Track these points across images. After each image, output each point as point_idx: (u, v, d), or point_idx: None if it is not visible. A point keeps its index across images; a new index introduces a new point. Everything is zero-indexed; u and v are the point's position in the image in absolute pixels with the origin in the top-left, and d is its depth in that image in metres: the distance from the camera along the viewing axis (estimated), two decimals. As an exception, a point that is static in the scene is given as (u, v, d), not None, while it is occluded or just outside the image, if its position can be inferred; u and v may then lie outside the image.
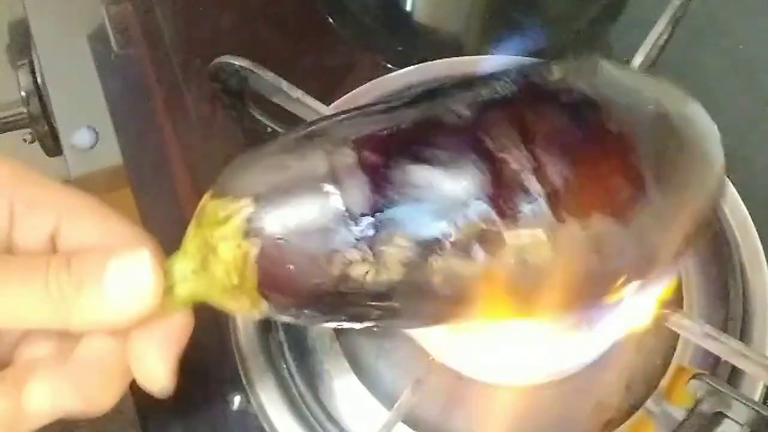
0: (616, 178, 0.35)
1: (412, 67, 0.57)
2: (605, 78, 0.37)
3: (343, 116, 0.38)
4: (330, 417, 0.45)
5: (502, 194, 0.34)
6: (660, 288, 0.41)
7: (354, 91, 0.55)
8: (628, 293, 0.38)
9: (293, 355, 0.47)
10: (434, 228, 0.35)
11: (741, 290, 0.48)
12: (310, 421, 0.45)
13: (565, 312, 0.38)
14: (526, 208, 0.34)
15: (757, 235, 0.49)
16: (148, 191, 0.55)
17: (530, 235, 0.34)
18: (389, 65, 0.60)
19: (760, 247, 0.49)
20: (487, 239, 0.34)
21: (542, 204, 0.34)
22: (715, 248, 0.49)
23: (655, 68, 0.53)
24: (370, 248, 0.35)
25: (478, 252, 0.35)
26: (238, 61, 0.53)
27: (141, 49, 0.63)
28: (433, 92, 0.38)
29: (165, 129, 0.58)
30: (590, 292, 0.37)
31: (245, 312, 0.38)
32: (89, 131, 0.55)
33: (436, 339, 0.43)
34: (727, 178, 0.49)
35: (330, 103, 0.53)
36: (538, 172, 0.34)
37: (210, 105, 0.58)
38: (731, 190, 0.50)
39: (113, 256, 0.36)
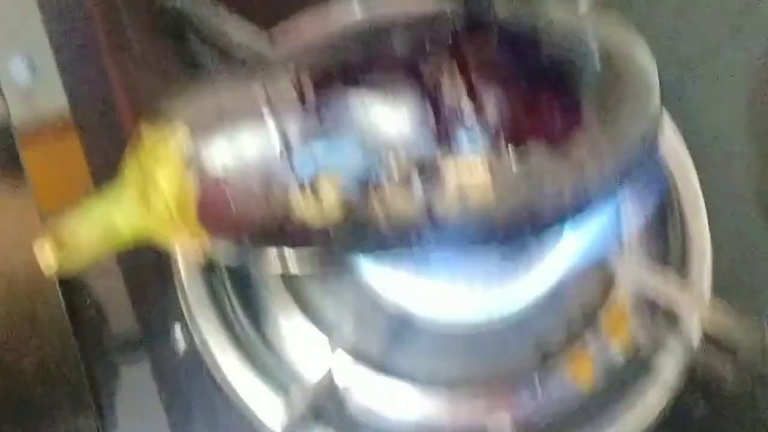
0: (554, 109, 0.35)
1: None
2: (547, 12, 0.37)
3: (283, 49, 0.38)
4: (274, 354, 0.45)
5: (441, 126, 0.34)
6: (598, 223, 0.42)
7: (295, 17, 0.53)
8: (566, 227, 0.39)
9: (236, 292, 0.46)
10: (373, 161, 0.35)
11: (680, 229, 0.48)
12: (253, 358, 0.45)
13: (504, 242, 0.39)
14: (464, 140, 0.34)
15: (695, 174, 0.50)
16: (92, 127, 0.54)
17: (469, 166, 0.34)
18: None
19: (698, 186, 0.49)
20: (426, 171, 0.35)
21: (480, 135, 0.34)
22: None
23: (599, 6, 0.53)
24: (309, 181, 0.35)
25: (418, 185, 0.35)
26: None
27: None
28: (375, 26, 0.38)
29: (107, 64, 0.57)
30: (528, 224, 0.37)
31: (188, 247, 0.38)
32: (25, 61, 0.54)
33: (380, 276, 0.43)
34: (667, 118, 0.49)
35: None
36: (477, 104, 0.34)
37: (153, 36, 0.56)
38: (670, 129, 0.50)
39: None
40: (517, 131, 0.34)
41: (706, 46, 0.58)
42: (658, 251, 0.49)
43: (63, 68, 0.55)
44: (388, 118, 0.35)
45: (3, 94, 0.53)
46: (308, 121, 0.35)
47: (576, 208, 0.37)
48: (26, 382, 0.45)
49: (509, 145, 0.34)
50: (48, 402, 0.45)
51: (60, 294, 0.47)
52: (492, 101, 0.34)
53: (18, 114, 0.53)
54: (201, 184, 0.35)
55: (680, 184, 0.50)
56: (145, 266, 0.48)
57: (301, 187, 0.35)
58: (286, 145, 0.34)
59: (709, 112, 0.56)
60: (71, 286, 0.48)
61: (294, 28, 0.52)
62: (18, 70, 0.54)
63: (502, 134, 0.34)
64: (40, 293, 0.47)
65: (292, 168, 0.35)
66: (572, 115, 0.35)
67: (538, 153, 0.35)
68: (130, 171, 0.38)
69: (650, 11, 0.59)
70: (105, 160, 0.51)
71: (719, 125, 0.55)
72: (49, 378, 0.45)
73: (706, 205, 0.49)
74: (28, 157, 0.52)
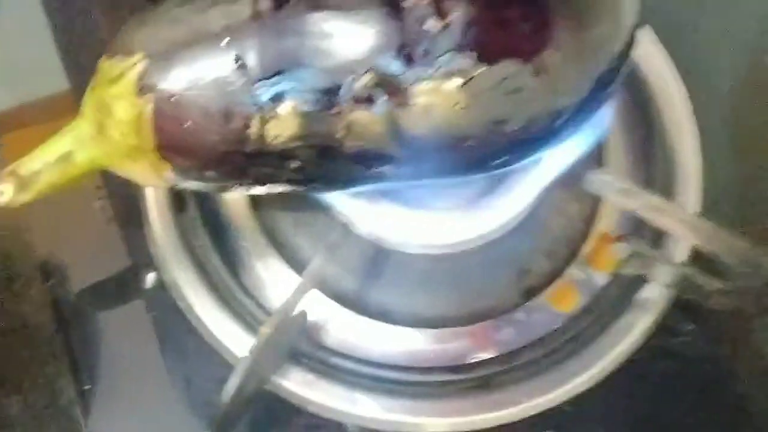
0: (525, 20, 0.33)
1: None
2: None
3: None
4: (248, 293, 0.44)
5: (407, 40, 0.32)
6: (578, 144, 0.40)
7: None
8: (542, 146, 0.37)
9: (208, 232, 0.45)
10: (336, 78, 0.33)
11: (665, 151, 0.47)
12: (226, 298, 0.44)
13: (478, 168, 0.37)
14: (433, 55, 0.32)
15: (682, 95, 0.48)
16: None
17: (438, 82, 0.33)
18: None
19: (685, 106, 0.47)
20: (392, 88, 0.33)
21: (450, 50, 0.32)
22: (639, 108, 0.48)
23: None
24: (270, 102, 0.33)
25: (383, 102, 0.33)
26: None
27: None
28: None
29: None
30: (503, 144, 0.35)
31: (150, 179, 0.37)
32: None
33: (352, 206, 0.42)
34: (655, 36, 0.48)
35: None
36: (445, 16, 0.32)
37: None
38: (656, 47, 0.48)
39: None
40: (486, 45, 0.33)
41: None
42: (643, 171, 0.47)
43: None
44: (351, 38, 0.33)
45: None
46: (267, 44, 0.33)
47: (550, 124, 0.35)
48: (4, 337, 0.45)
49: (479, 59, 0.32)
50: (26, 355, 0.44)
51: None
52: (460, 15, 0.32)
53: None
54: (158, 110, 0.34)
55: (664, 102, 0.48)
56: (114, 205, 0.47)
57: (260, 107, 0.33)
58: (244, 65, 0.33)
59: (695, 30, 0.54)
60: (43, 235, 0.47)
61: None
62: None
63: (471, 49, 0.32)
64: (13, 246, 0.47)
65: (250, 87, 0.33)
66: (543, 24, 0.33)
67: (509, 67, 0.33)
68: (88, 105, 0.36)
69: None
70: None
71: (703, 42, 0.53)
72: (24, 331, 0.45)
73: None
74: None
